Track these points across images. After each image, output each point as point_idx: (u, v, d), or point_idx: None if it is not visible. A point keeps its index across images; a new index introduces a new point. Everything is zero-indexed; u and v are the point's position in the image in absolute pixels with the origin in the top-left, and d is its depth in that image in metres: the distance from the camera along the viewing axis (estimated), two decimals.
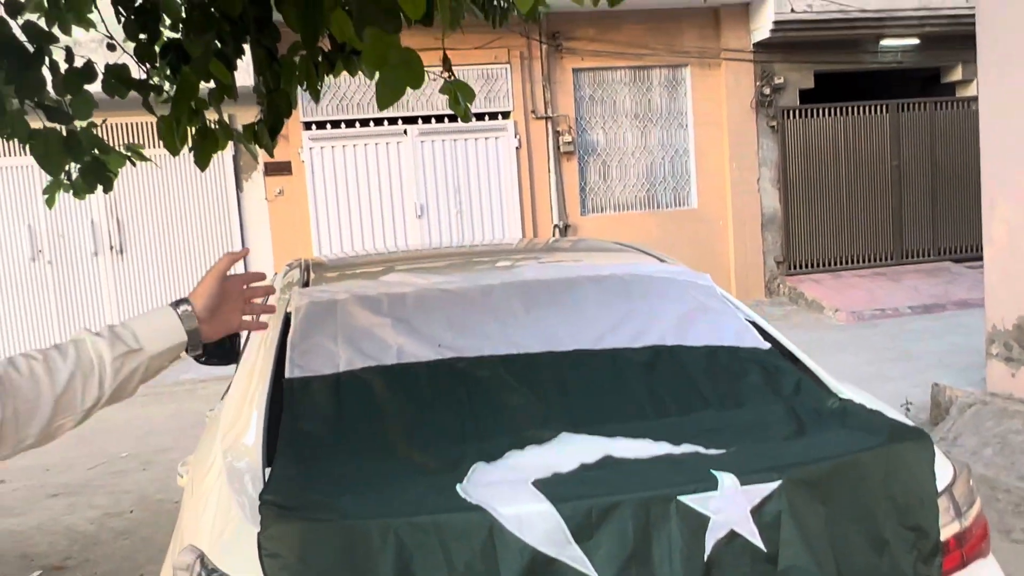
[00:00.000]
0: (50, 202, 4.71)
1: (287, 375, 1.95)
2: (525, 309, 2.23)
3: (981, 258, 5.58)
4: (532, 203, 10.78)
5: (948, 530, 1.62)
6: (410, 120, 10.38)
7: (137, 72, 3.54)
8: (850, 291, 10.77)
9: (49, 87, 3.64)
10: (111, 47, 3.56)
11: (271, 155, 3.61)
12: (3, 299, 9.79)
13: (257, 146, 3.57)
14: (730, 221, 11.22)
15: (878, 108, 11.39)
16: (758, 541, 1.47)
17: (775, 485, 1.49)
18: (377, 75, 2.61)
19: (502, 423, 1.82)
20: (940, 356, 7.47)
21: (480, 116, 10.41)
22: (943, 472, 1.68)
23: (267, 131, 3.55)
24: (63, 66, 3.54)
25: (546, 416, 1.82)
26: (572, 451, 1.63)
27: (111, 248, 10.00)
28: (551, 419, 1.80)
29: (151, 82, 3.54)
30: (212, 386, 8.70)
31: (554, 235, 10.81)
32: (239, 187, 10.22)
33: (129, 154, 4.77)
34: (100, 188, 4.44)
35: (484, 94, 10.46)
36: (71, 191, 4.61)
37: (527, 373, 1.98)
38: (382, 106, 2.60)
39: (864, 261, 11.56)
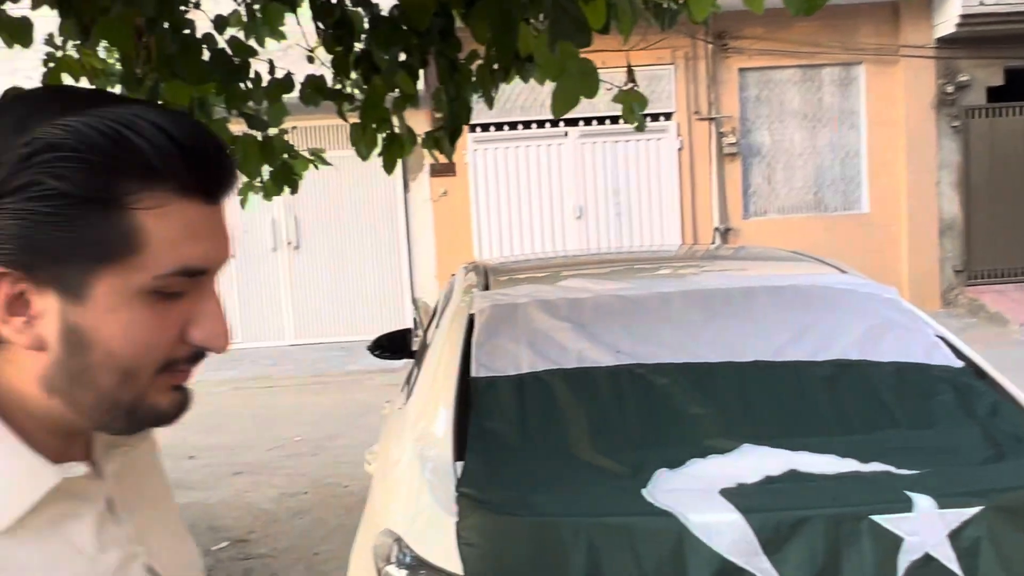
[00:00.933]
0: (243, 203, 5.10)
1: (473, 374, 2.05)
2: (703, 318, 2.24)
3: None
4: (692, 206, 10.63)
5: None
6: (571, 122, 10.47)
7: (331, 82, 3.78)
8: None
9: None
10: (310, 59, 3.82)
11: (450, 160, 3.77)
12: None
13: (438, 152, 3.74)
14: (904, 226, 10.65)
15: None
16: (956, 567, 1.43)
17: (976, 511, 1.44)
18: (554, 85, 2.70)
19: (682, 431, 1.84)
20: None
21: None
22: None
23: (447, 137, 3.71)
24: (265, 78, 3.82)
25: (727, 426, 1.82)
26: (755, 463, 1.64)
27: (288, 244, 10.65)
28: (732, 429, 1.81)
29: (344, 91, 3.77)
30: (378, 378, 9.11)
31: (714, 239, 10.62)
32: (406, 187, 10.63)
33: (313, 158, 5.11)
34: (288, 190, 4.79)
35: (647, 95, 10.39)
36: (261, 192, 4.99)
37: (706, 382, 1.99)
38: (557, 114, 2.67)
39: None
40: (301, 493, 5.50)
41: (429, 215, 10.63)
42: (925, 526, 1.44)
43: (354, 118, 3.75)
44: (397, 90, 3.63)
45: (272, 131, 4.27)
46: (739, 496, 1.51)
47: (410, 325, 10.51)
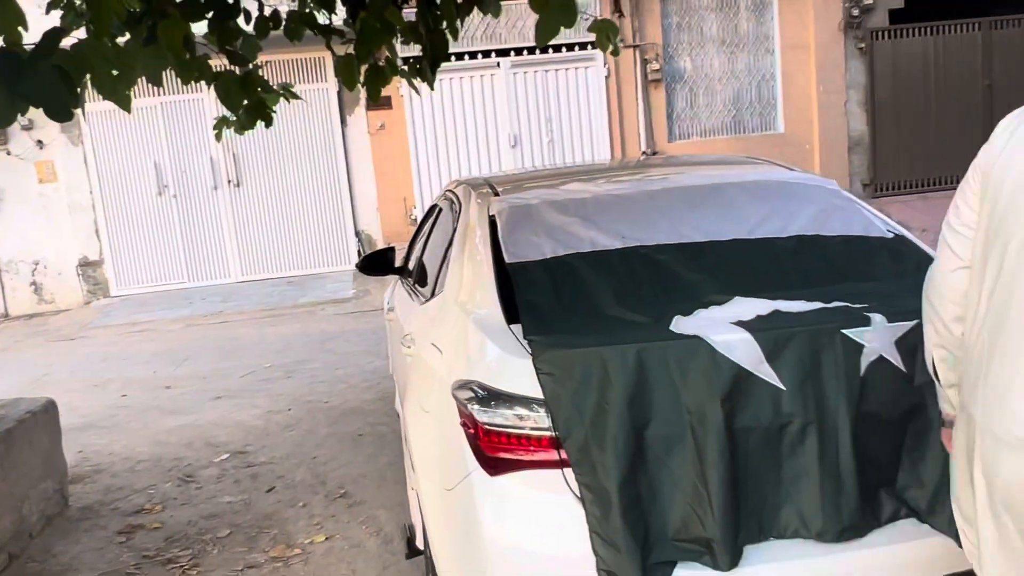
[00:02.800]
0: (218, 136, 5.30)
1: (508, 260, 2.49)
2: (686, 208, 2.73)
3: None
4: (621, 131, 11.12)
5: None
6: (503, 53, 10.78)
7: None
8: (939, 212, 10.75)
9: None
10: None
11: (432, 89, 4.11)
12: (135, 231, 10.67)
13: (420, 79, 4.08)
14: (816, 145, 11.39)
15: (970, 26, 11.30)
16: (900, 364, 1.97)
17: (914, 323, 1.98)
18: (537, 18, 3.12)
19: (685, 292, 2.33)
20: None
21: (570, 47, 10.74)
22: None
23: (428, 67, 4.06)
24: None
25: (719, 286, 2.32)
26: (747, 308, 2.13)
27: (229, 182, 10.75)
28: (723, 288, 2.30)
29: (332, 26, 4.06)
30: (329, 308, 9.47)
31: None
32: (343, 122, 10.80)
33: (284, 92, 5.35)
34: (262, 124, 5.02)
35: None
36: (234, 127, 5.21)
37: (697, 256, 2.48)
38: (541, 42, 3.08)
39: (953, 183, 11.53)
40: (285, 410, 5.87)
41: (368, 149, 10.85)
42: (879, 336, 1.96)
43: (339, 50, 4.05)
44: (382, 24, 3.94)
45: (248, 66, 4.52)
46: (749, 322, 2.00)
47: (357, 255, 10.76)
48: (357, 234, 11.03)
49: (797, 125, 11.41)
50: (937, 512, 1.95)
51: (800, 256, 2.50)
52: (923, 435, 1.98)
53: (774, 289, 2.30)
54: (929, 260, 2.51)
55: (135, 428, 5.74)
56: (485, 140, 10.98)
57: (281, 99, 4.88)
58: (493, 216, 2.78)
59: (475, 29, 10.56)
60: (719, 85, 11.41)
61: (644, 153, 11.13)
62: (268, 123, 5.02)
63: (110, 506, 4.43)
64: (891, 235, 2.63)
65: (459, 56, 10.62)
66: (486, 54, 10.77)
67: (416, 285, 3.57)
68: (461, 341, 2.37)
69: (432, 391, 2.41)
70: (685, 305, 2.21)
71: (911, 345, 1.97)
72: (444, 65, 4.32)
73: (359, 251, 10.86)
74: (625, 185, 3.01)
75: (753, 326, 1.97)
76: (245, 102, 4.76)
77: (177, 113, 10.53)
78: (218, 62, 4.17)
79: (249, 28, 4.09)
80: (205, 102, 10.37)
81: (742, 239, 2.56)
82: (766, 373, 1.91)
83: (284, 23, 4.13)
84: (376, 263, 4.60)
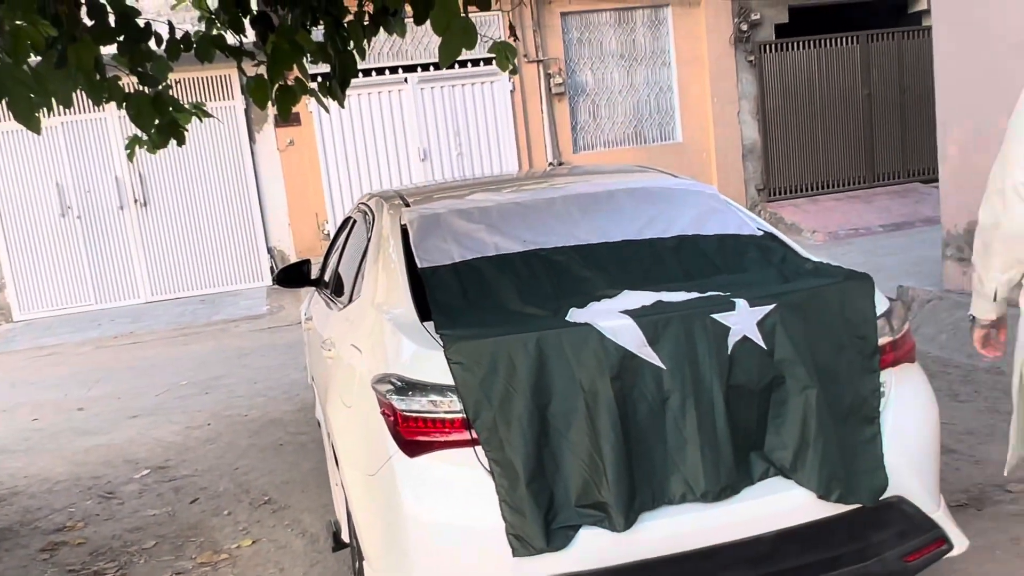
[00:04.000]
0: (131, 156, 5.34)
1: (420, 265, 2.72)
2: (580, 213, 3.01)
3: None
4: (528, 143, 11.47)
5: (884, 339, 2.42)
6: (410, 69, 10.99)
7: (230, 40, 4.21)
8: (827, 214, 11.60)
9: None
10: (210, 21, 4.22)
11: (342, 106, 4.31)
12: (37, 253, 10.45)
13: (329, 98, 4.27)
14: (713, 152, 11.98)
15: (849, 40, 12.09)
16: (761, 342, 2.28)
17: (772, 306, 2.29)
18: (440, 39, 3.36)
19: (580, 287, 2.60)
20: (908, 266, 8.31)
21: (475, 62, 11.04)
22: (882, 304, 2.50)
23: (339, 86, 4.25)
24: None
25: (610, 282, 2.59)
26: (634, 299, 2.40)
27: (135, 201, 10.63)
28: (614, 283, 2.58)
29: (243, 48, 4.21)
30: (244, 325, 9.48)
31: None
32: (252, 139, 10.83)
33: (196, 111, 5.44)
34: (174, 142, 5.11)
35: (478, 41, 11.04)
36: (146, 146, 5.27)
37: (591, 256, 2.76)
38: (444, 63, 3.32)
39: (839, 185, 12.37)
40: (204, 425, 5.93)
41: (277, 165, 10.90)
42: (742, 318, 2.26)
43: (249, 70, 4.20)
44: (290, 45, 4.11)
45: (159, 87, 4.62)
46: (633, 311, 2.28)
47: (270, 271, 10.76)
48: (269, 250, 11.05)
49: (694, 134, 11.98)
50: (798, 468, 2.26)
51: (681, 253, 2.80)
52: (784, 403, 2.29)
53: (658, 282, 2.59)
54: (791, 252, 2.86)
55: (50, 449, 5.71)
56: (395, 154, 11.16)
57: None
58: (405, 225, 3.01)
59: (382, 46, 10.75)
60: (620, 97, 11.89)
61: (551, 164, 11.50)
62: (180, 142, 5.09)
63: (30, 526, 4.44)
64: (760, 232, 2.97)
65: (367, 72, 10.78)
66: (393, 70, 10.96)
67: (333, 294, 3.76)
68: (379, 339, 2.58)
69: (353, 387, 2.62)
70: (580, 299, 2.48)
71: (771, 325, 2.28)
72: (352, 81, 4.52)
73: (272, 267, 10.88)
74: (526, 194, 3.29)
75: (636, 313, 2.25)
76: (157, 122, 4.88)
77: (80, 133, 10.38)
78: (128, 81, 4.27)
79: (160, 50, 4.20)
80: (108, 121, 10.26)
81: (630, 240, 2.85)
82: (648, 355, 2.19)
83: (195, 45, 4.25)
84: (292, 276, 4.76)
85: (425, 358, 2.28)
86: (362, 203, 3.91)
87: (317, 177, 10.97)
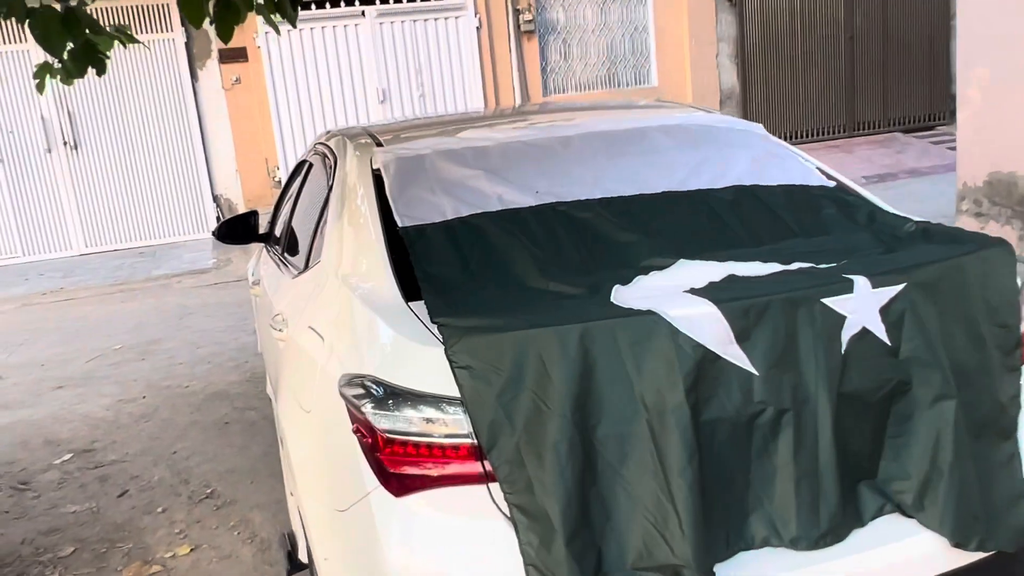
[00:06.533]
0: (40, 87, 4.53)
1: (400, 224, 2.04)
2: (607, 157, 2.35)
3: (929, 128, 5.81)
4: (495, 84, 10.69)
5: None
6: (368, 1, 10.09)
7: None
8: None
9: None
10: None
11: (294, 26, 3.56)
12: None
13: (280, 16, 3.52)
14: (690, 98, 11.29)
15: None
16: (885, 337, 1.66)
17: (901, 286, 1.67)
18: None
19: (617, 255, 1.95)
20: None
21: None
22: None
23: (289, 1, 3.49)
24: None
25: (656, 248, 1.95)
26: (696, 273, 1.77)
27: (65, 144, 9.66)
28: (662, 250, 1.94)
29: None
30: (187, 280, 8.69)
31: None
32: (194, 76, 9.88)
33: (119, 35, 4.62)
34: (93, 71, 4.31)
35: None
36: (59, 76, 4.47)
37: (625, 213, 2.10)
38: None
39: (819, 134, 11.84)
40: (139, 398, 5.22)
41: (223, 105, 9.99)
42: (862, 303, 1.65)
43: None
44: None
45: (72, 2, 3.83)
46: (707, 291, 1.64)
47: (216, 221, 9.95)
48: (215, 198, 10.18)
49: (670, 78, 11.29)
50: (926, 506, 1.67)
51: (741, 209, 2.16)
52: (909, 418, 1.69)
53: (719, 249, 1.96)
54: (879, 210, 2.24)
55: None
56: (352, 94, 10.30)
57: (119, 46, 4.20)
58: (378, 170, 2.31)
59: None
60: (592, 37, 11.13)
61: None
62: (100, 71, 4.31)
63: None
64: (832, 184, 2.34)
65: (320, 4, 9.86)
66: (349, 2, 10.05)
67: (285, 254, 3.06)
68: (346, 323, 1.91)
69: (313, 387, 1.95)
70: (621, 272, 1.83)
71: (897, 313, 1.66)
72: (304, 14, 3.75)
73: (218, 217, 10.03)
74: (532, 131, 2.59)
75: (715, 296, 1.61)
76: (70, 45, 4.08)
77: None
78: None
79: None
80: (32, 53, 9.23)
81: (674, 191, 2.20)
82: (734, 355, 1.56)
83: None
84: (236, 230, 4.03)
85: (415, 355, 1.62)
86: (320, 143, 3.17)
87: (267, 119, 10.08)
